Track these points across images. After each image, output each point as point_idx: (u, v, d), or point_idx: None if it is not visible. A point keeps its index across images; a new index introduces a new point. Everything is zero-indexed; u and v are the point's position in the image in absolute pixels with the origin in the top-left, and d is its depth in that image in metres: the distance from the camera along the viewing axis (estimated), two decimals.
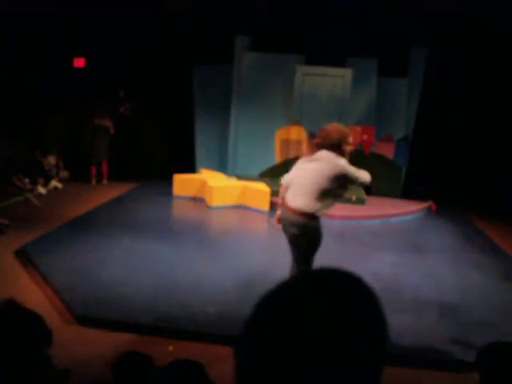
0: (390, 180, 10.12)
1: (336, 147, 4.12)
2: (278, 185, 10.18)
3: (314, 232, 4.16)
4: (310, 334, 0.72)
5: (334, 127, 4.24)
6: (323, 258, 6.28)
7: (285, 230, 4.28)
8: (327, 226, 8.11)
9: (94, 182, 10.52)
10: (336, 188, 4.14)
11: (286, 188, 4.32)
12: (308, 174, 4.08)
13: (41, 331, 2.21)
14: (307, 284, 0.79)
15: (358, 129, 10.07)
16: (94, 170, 10.52)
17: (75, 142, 10.91)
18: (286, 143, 10.28)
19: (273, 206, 6.96)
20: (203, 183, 9.29)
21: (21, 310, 2.28)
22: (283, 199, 4.31)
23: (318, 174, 4.04)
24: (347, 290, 0.79)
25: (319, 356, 0.72)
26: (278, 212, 4.39)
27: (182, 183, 9.46)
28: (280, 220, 4.34)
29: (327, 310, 0.74)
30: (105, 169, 10.58)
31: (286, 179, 4.37)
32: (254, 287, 5.00)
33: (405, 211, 9.04)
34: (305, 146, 10.21)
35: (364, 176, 4.23)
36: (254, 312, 0.79)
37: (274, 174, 10.19)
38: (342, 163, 4.07)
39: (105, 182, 10.57)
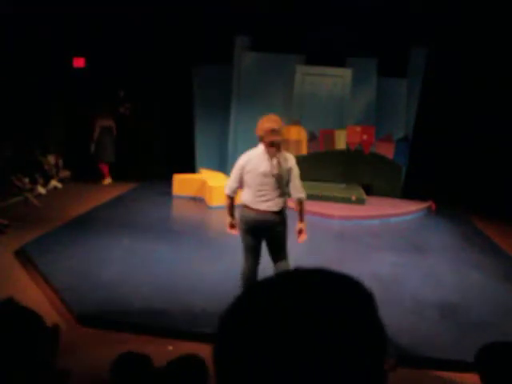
0: (390, 180, 10.12)
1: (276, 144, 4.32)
2: None
3: (286, 220, 4.48)
4: (291, 332, 0.69)
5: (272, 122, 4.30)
6: (323, 258, 6.29)
7: (262, 231, 4.41)
8: (327, 226, 8.16)
9: (108, 180, 10.51)
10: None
11: (233, 198, 4.49)
12: (273, 180, 4.29)
13: (40, 330, 2.21)
14: (291, 282, 0.76)
15: (358, 129, 10.06)
16: (106, 169, 10.51)
17: (76, 141, 10.90)
18: (285, 143, 10.27)
19: None
20: (203, 183, 9.29)
21: (20, 309, 2.28)
22: (232, 205, 4.54)
23: (283, 173, 4.29)
24: (334, 289, 0.75)
25: (300, 356, 0.68)
26: (229, 219, 4.60)
27: (182, 183, 9.46)
28: (234, 226, 4.61)
29: (310, 308, 0.71)
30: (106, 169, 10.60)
31: (232, 189, 4.45)
32: None
33: (405, 211, 9.03)
34: (304, 146, 10.21)
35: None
36: (233, 307, 0.76)
37: None
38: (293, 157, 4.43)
39: (105, 182, 10.57)
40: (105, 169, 10.50)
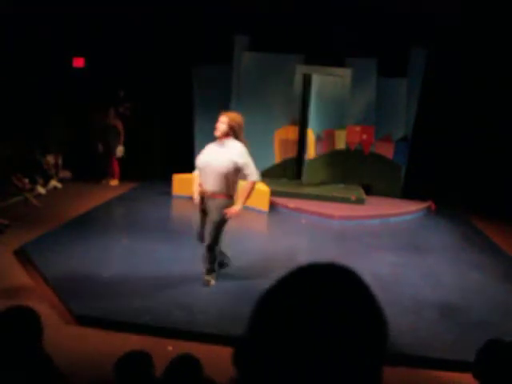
0: (390, 180, 10.12)
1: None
2: (278, 185, 10.14)
3: None
4: (315, 329, 0.73)
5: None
6: (323, 258, 6.28)
7: None
8: (327, 226, 8.17)
9: (116, 181, 10.52)
10: None
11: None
12: None
13: (28, 322, 2.25)
14: (310, 279, 0.80)
15: (358, 129, 10.06)
16: (118, 169, 10.55)
17: (76, 141, 10.88)
18: (285, 143, 10.27)
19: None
20: None
21: (22, 313, 2.31)
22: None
23: None
24: (344, 284, 0.79)
25: (321, 352, 0.72)
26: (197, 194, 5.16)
27: (182, 183, 9.46)
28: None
29: (329, 306, 0.75)
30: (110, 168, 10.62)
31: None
32: (254, 287, 5.00)
33: (404, 211, 9.03)
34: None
35: None
36: (259, 307, 0.80)
37: (273, 174, 10.18)
38: None
39: (107, 182, 10.55)
40: (116, 168, 10.51)
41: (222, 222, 5.02)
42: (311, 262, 0.83)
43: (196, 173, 5.23)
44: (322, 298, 0.76)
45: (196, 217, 5.22)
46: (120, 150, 10.39)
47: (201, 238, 5.23)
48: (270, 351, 0.74)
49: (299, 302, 0.76)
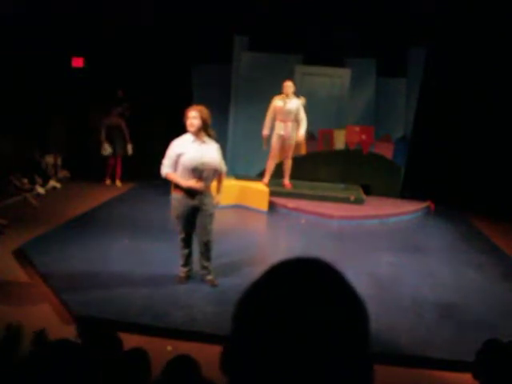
0: (389, 180, 10.12)
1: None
2: (278, 185, 10.11)
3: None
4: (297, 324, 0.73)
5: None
6: (323, 258, 6.28)
7: None
8: (326, 226, 8.16)
9: (119, 183, 10.48)
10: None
11: None
12: None
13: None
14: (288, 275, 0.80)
15: (357, 129, 10.06)
16: (119, 169, 10.54)
17: (75, 141, 10.87)
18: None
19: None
20: None
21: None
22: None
23: None
24: (322, 278, 0.80)
25: (301, 349, 0.72)
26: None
27: None
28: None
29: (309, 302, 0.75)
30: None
31: None
32: None
33: (403, 211, 9.03)
34: (304, 146, 10.19)
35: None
36: (236, 312, 0.80)
37: (272, 174, 10.18)
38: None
39: (113, 182, 10.54)
40: (118, 169, 10.49)
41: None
42: (282, 260, 0.83)
43: (171, 171, 5.01)
44: (296, 294, 0.75)
45: (184, 219, 5.13)
46: (130, 148, 10.42)
47: (189, 239, 5.29)
48: (252, 353, 0.75)
49: (274, 302, 0.75)
